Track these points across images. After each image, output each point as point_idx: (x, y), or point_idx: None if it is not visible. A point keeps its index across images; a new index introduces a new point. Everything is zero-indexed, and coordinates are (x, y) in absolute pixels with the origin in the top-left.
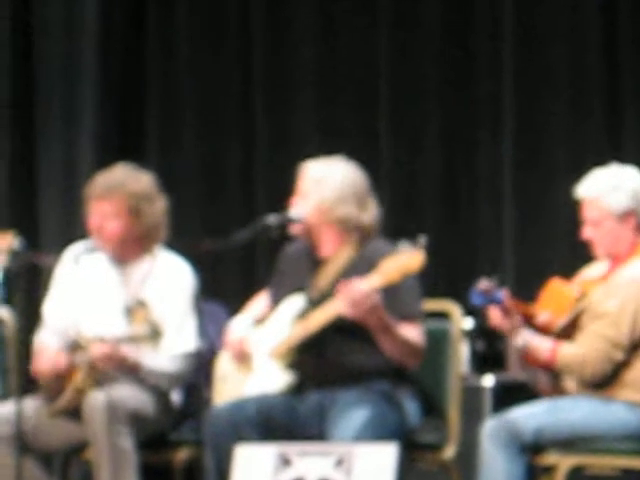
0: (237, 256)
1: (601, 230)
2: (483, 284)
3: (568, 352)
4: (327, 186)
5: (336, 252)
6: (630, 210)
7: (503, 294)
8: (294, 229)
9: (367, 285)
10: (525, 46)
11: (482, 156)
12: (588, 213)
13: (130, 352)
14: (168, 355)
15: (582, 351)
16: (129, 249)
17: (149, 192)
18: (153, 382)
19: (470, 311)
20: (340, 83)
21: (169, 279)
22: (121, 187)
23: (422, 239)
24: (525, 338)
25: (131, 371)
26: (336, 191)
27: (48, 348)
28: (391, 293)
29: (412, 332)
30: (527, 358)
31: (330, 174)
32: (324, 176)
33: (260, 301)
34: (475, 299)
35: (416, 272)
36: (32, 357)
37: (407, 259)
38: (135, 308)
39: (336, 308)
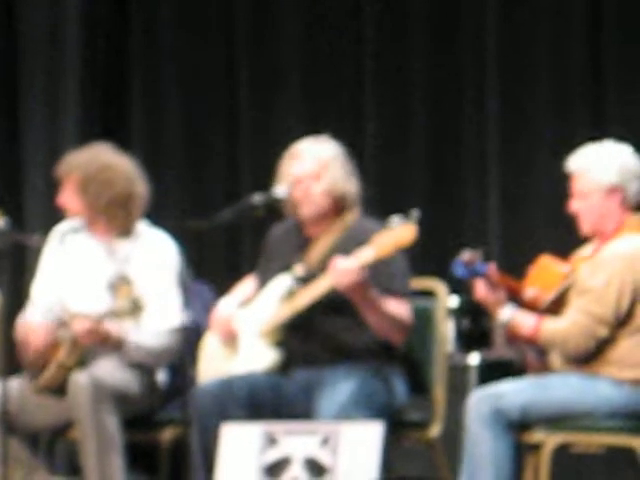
0: (222, 236)
1: (587, 203)
2: (466, 255)
3: (551, 327)
4: (335, 166)
5: (323, 230)
6: (617, 185)
7: (487, 267)
8: (285, 209)
9: (357, 260)
10: (509, 19)
11: (468, 130)
12: (576, 186)
13: (114, 328)
14: (153, 331)
15: (565, 326)
16: (100, 226)
17: (105, 171)
18: (138, 358)
19: (456, 289)
20: (325, 60)
21: (153, 255)
22: (77, 166)
23: (415, 213)
24: (509, 313)
25: (115, 347)
26: (341, 170)
27: (31, 323)
28: (380, 269)
29: (398, 308)
30: (511, 334)
31: (313, 151)
32: (306, 154)
33: (248, 283)
34: (458, 270)
35: (409, 245)
36: (18, 333)
37: (400, 232)
38: (119, 284)
39: (324, 284)
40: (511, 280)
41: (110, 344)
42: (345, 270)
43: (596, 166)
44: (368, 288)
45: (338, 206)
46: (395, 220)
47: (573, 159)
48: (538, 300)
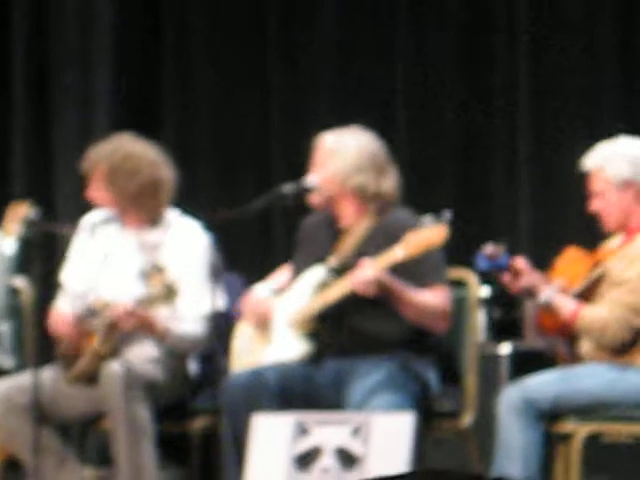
0: (253, 226)
1: (606, 201)
2: (489, 249)
3: (590, 314)
4: (342, 156)
5: (356, 222)
6: (630, 180)
7: (510, 259)
8: (313, 200)
9: (383, 263)
10: (541, 11)
11: (498, 122)
12: (593, 185)
13: (146, 314)
14: (185, 317)
15: (604, 315)
16: (130, 216)
17: (131, 160)
18: (173, 344)
19: (487, 279)
20: (357, 53)
21: (184, 243)
22: (102, 157)
23: (446, 214)
24: (549, 294)
25: (151, 331)
26: (351, 161)
27: (61, 313)
28: (413, 261)
29: (433, 297)
30: (545, 320)
31: (345, 144)
32: (339, 146)
33: (282, 272)
34: (480, 264)
35: (439, 246)
36: (48, 323)
37: (431, 233)
38: (151, 272)
39: (350, 284)
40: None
41: (147, 329)
42: (363, 281)
43: (608, 163)
44: (393, 288)
45: (356, 197)
46: (427, 220)
47: (587, 159)
48: (565, 291)
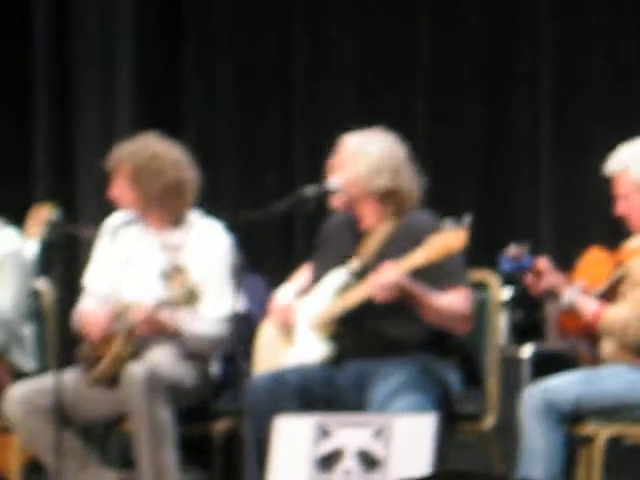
0: (275, 228)
1: (630, 203)
2: (512, 250)
3: (612, 314)
4: (364, 158)
5: (377, 224)
6: None
7: (533, 260)
8: (334, 202)
9: (399, 269)
10: (566, 10)
11: (520, 123)
12: (617, 188)
13: (169, 316)
14: (207, 319)
15: (625, 315)
16: (153, 216)
17: (155, 160)
18: (193, 346)
19: (508, 281)
20: (378, 50)
21: (206, 244)
22: (127, 157)
23: (466, 218)
24: (571, 296)
25: (171, 335)
26: (373, 163)
27: (90, 312)
28: (433, 264)
29: (454, 300)
30: (567, 321)
31: (367, 146)
32: (361, 148)
33: (304, 273)
34: (504, 265)
35: (459, 250)
36: (75, 324)
37: (451, 237)
38: (172, 274)
39: (370, 289)
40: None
41: (166, 333)
42: (384, 285)
43: (631, 165)
44: (414, 292)
45: (378, 199)
46: (447, 224)
47: (610, 162)
48: (587, 292)
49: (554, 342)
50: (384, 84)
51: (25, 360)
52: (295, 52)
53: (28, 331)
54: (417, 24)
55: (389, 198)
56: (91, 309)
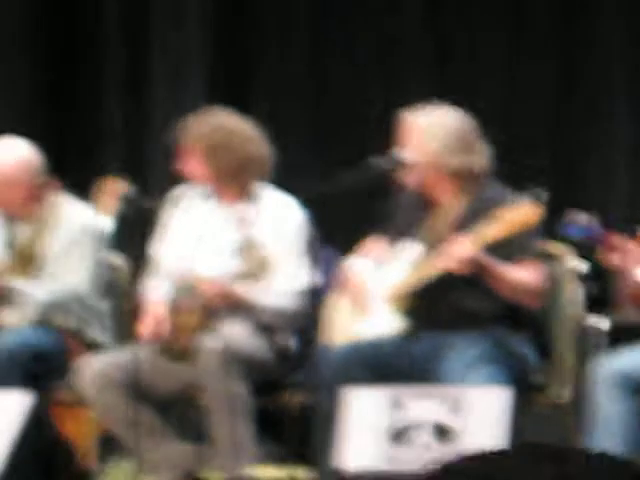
0: (346, 201)
1: None
2: (579, 217)
3: None
4: (433, 133)
5: (449, 199)
6: None
7: (603, 232)
8: (406, 178)
9: (473, 243)
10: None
11: (590, 94)
12: None
13: (242, 290)
14: (280, 292)
15: None
16: (225, 191)
17: (229, 135)
18: (267, 320)
19: (582, 253)
20: (447, 30)
21: (279, 218)
22: (201, 132)
23: (540, 192)
24: None
25: (244, 309)
26: (443, 138)
27: (153, 307)
28: (507, 237)
29: (527, 273)
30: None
31: (436, 121)
32: (430, 123)
33: (374, 245)
34: (571, 231)
35: (534, 225)
36: (139, 311)
37: (525, 212)
38: (245, 247)
39: (445, 261)
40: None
41: (240, 307)
42: (458, 258)
43: None
44: (487, 266)
45: (449, 175)
46: (521, 198)
47: None
48: None
49: (628, 313)
50: (449, 57)
51: (101, 334)
52: (363, 23)
53: (103, 305)
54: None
55: (462, 173)
56: (153, 297)
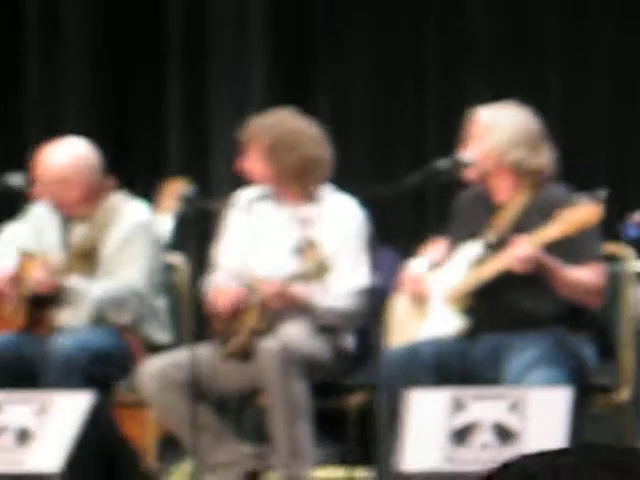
0: (408, 202)
1: None
2: (639, 218)
3: None
4: (498, 131)
5: (512, 197)
6: None
7: None
8: (468, 175)
9: (533, 243)
10: None
11: None
12: None
13: (301, 290)
14: (340, 293)
15: None
16: (286, 191)
17: (291, 135)
18: (326, 320)
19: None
20: (510, 31)
21: (339, 218)
22: (263, 132)
23: (601, 193)
24: None
25: (303, 309)
26: (507, 136)
27: (226, 286)
28: (567, 237)
29: (588, 274)
30: None
31: (501, 119)
32: (495, 121)
33: (437, 246)
34: (630, 232)
35: (594, 225)
36: (206, 298)
37: (586, 212)
38: (305, 248)
39: (506, 261)
40: None
41: (298, 307)
42: (519, 258)
43: None
44: (548, 266)
45: (512, 172)
46: (582, 198)
47: None
48: None
49: None
50: (516, 58)
51: (159, 333)
52: (427, 23)
53: (161, 304)
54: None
55: (523, 171)
56: (222, 283)
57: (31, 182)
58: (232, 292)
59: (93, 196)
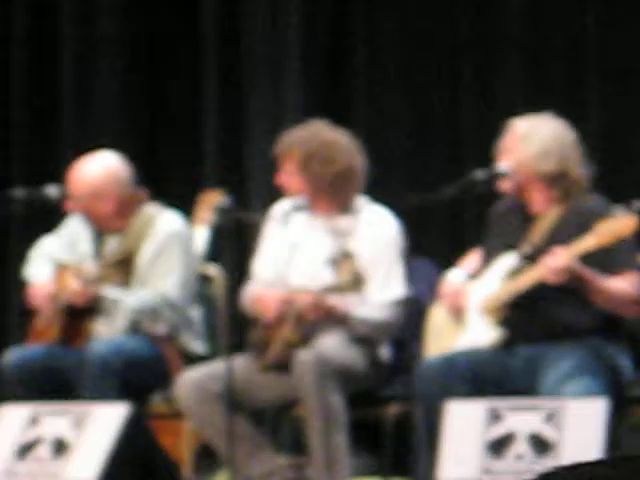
0: (444, 212)
1: None
2: None
3: None
4: (534, 142)
5: (547, 208)
6: None
7: None
8: (503, 186)
9: (570, 254)
10: None
11: None
12: None
13: (337, 301)
14: (376, 304)
15: None
16: (321, 203)
17: (326, 147)
18: (361, 331)
19: None
20: (547, 40)
21: (374, 230)
22: (298, 144)
23: (637, 204)
24: None
25: (339, 320)
26: (543, 147)
27: (270, 294)
28: (603, 248)
29: (624, 284)
30: None
31: (537, 130)
32: (531, 132)
33: (474, 257)
34: None
35: (630, 236)
36: (244, 308)
37: (622, 223)
38: (340, 259)
39: (541, 272)
40: None
41: (334, 318)
42: (555, 269)
43: None
44: (584, 277)
45: (547, 184)
46: (618, 209)
47: None
48: None
49: None
50: (552, 70)
51: (195, 343)
52: (462, 34)
53: (196, 315)
54: (586, 11)
55: (558, 182)
56: (263, 292)
57: (66, 196)
58: (276, 299)
59: (125, 209)
